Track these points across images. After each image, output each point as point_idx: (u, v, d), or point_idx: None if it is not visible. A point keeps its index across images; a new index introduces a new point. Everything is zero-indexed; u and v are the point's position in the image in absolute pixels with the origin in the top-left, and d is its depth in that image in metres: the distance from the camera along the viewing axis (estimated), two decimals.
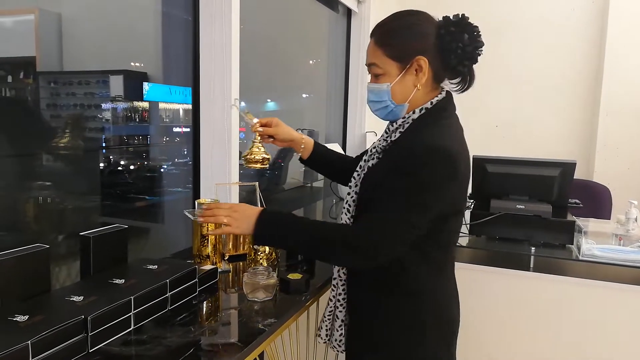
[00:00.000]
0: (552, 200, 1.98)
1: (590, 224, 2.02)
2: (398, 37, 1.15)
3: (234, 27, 1.82)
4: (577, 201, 2.09)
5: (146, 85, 1.96)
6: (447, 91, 1.22)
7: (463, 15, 1.14)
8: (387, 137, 1.22)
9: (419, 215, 1.08)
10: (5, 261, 1.03)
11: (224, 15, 1.81)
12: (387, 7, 3.40)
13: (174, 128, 2.16)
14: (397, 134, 1.19)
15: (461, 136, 1.19)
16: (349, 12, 3.18)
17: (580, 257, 1.80)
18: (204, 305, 1.30)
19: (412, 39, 1.14)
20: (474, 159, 2.06)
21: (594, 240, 1.86)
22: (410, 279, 1.18)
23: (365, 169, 1.24)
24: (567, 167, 1.97)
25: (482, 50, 1.15)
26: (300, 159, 1.52)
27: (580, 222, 1.95)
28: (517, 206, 1.97)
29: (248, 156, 1.43)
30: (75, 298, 1.06)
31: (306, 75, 3.31)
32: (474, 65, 1.18)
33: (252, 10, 2.30)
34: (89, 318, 0.98)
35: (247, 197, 2.10)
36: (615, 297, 1.71)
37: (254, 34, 2.45)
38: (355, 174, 1.26)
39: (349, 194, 1.25)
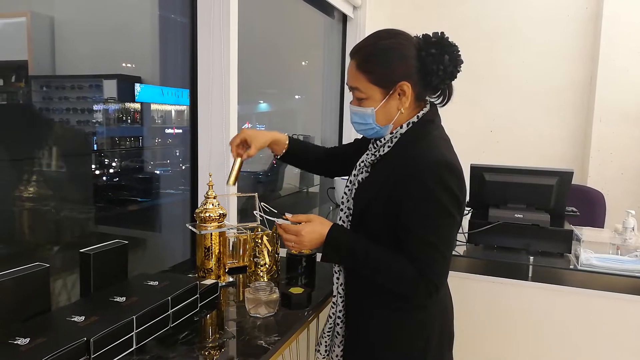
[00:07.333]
0: (549, 209, 1.99)
1: (586, 232, 2.02)
2: (380, 62, 1.13)
3: (232, 30, 1.79)
4: (574, 209, 2.10)
5: (138, 87, 1.93)
6: (431, 102, 1.22)
7: (442, 34, 1.13)
8: (375, 151, 1.22)
9: (453, 232, 1.13)
10: (4, 282, 1.00)
11: (222, 18, 1.79)
12: (383, 13, 3.39)
13: (166, 129, 2.14)
14: (386, 149, 1.19)
15: (452, 145, 1.21)
16: (344, 18, 3.16)
17: (579, 267, 1.80)
18: (206, 322, 1.28)
19: (394, 64, 1.12)
20: (472, 167, 2.06)
21: (592, 249, 1.87)
22: None
23: (356, 184, 1.24)
24: (565, 176, 1.98)
25: (461, 67, 1.15)
26: (277, 157, 1.48)
27: (577, 230, 1.96)
28: (515, 215, 1.97)
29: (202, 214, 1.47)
30: (77, 318, 1.04)
31: (303, 80, 3.30)
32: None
33: (248, 15, 2.28)
34: (91, 340, 0.96)
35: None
36: (614, 307, 1.72)
37: (250, 39, 2.43)
38: (345, 189, 1.27)
39: (342, 210, 1.26)
